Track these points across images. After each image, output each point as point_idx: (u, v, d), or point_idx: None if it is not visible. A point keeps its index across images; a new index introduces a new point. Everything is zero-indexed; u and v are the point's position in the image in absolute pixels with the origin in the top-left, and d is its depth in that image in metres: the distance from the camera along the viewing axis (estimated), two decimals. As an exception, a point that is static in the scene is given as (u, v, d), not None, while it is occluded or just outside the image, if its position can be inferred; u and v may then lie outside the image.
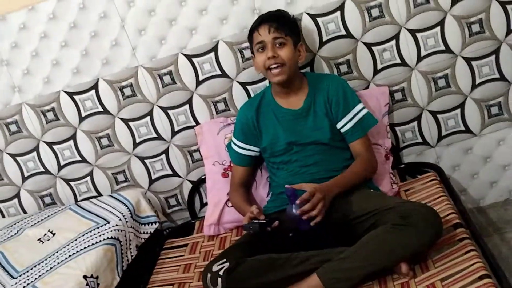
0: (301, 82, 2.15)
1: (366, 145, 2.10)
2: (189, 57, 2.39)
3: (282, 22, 2.06)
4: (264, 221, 1.88)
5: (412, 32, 2.30)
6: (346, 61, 2.35)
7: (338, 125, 2.10)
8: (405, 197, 2.13)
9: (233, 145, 2.25)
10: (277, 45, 2.05)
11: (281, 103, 2.15)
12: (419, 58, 2.33)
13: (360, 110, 2.11)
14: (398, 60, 2.34)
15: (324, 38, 2.33)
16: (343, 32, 2.32)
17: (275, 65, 2.04)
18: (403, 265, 1.68)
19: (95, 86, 2.46)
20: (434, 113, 2.40)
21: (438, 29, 2.29)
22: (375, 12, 2.29)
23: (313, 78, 2.18)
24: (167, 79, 2.43)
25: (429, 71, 2.34)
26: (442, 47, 2.31)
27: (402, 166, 2.41)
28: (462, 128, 2.41)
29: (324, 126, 2.09)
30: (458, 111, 2.39)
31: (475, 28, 2.28)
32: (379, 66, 2.35)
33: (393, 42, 2.32)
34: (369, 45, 2.33)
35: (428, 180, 2.18)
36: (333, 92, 2.10)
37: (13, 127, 2.55)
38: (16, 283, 2.06)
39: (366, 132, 2.12)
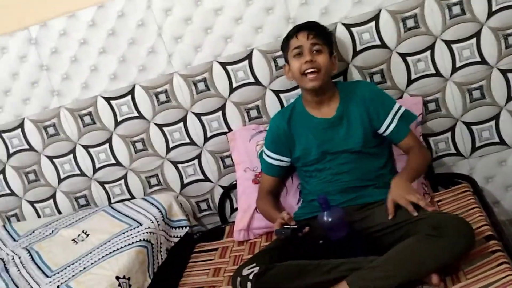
0: (333, 91, 2.16)
1: (415, 139, 2.14)
2: (223, 65, 2.43)
3: (320, 31, 2.11)
4: (295, 226, 1.89)
5: (448, 43, 2.29)
6: (379, 71, 2.35)
7: (381, 129, 2.10)
8: (437, 208, 2.11)
9: (264, 156, 2.27)
10: (315, 51, 2.08)
11: (313, 113, 2.16)
12: (454, 69, 2.32)
13: (399, 108, 2.12)
14: (433, 71, 2.33)
15: (358, 48, 2.34)
16: (378, 42, 2.32)
17: (311, 70, 2.06)
18: (434, 276, 1.66)
19: (131, 92, 2.51)
20: (468, 124, 2.38)
21: (474, 40, 2.28)
22: (410, 23, 2.29)
23: (344, 86, 2.19)
24: (201, 86, 2.47)
25: (464, 82, 2.33)
26: (478, 59, 2.30)
27: (435, 176, 2.40)
28: (497, 139, 2.39)
29: (357, 134, 2.09)
30: (492, 122, 2.37)
31: (512, 40, 2.26)
32: (413, 76, 2.35)
33: (428, 52, 2.31)
34: (403, 55, 2.32)
35: (460, 191, 2.16)
36: (369, 100, 2.11)
37: (51, 130, 2.62)
38: (50, 281, 2.10)
39: (409, 130, 2.13)
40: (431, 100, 2.36)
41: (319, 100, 2.14)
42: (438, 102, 2.36)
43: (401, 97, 2.37)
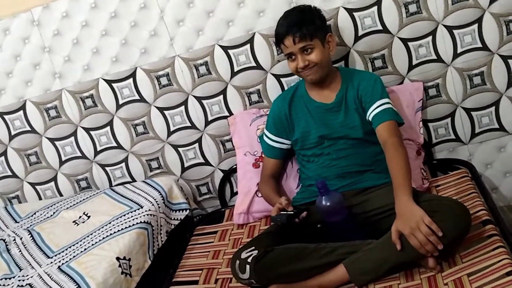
0: (335, 76, 2.15)
1: (392, 131, 1.99)
2: (225, 49, 2.43)
3: (305, 29, 2.02)
4: (292, 212, 1.91)
5: (449, 29, 2.29)
6: (381, 56, 2.35)
7: (367, 115, 2.07)
8: (436, 193, 2.12)
9: (265, 137, 2.28)
10: (305, 52, 2.04)
11: (314, 96, 2.16)
12: (455, 55, 2.32)
13: (387, 103, 2.05)
14: (434, 56, 2.33)
15: (360, 33, 2.34)
16: (380, 27, 2.32)
17: (307, 71, 2.07)
18: (430, 259, 1.68)
19: (133, 75, 2.51)
20: (468, 110, 2.39)
21: (475, 26, 2.27)
22: (412, 8, 2.28)
23: (347, 73, 2.18)
24: (202, 69, 2.47)
25: (465, 68, 2.33)
26: (479, 45, 2.29)
27: (434, 162, 2.41)
28: (496, 126, 2.39)
29: (354, 121, 2.09)
30: (492, 109, 2.37)
31: (513, 25, 2.26)
32: (414, 62, 2.35)
33: (430, 38, 2.31)
34: (405, 41, 2.32)
35: (459, 176, 2.17)
36: (363, 87, 2.09)
37: (52, 112, 2.63)
38: (51, 262, 2.13)
39: (392, 118, 2.02)
40: (431, 85, 2.37)
41: (320, 85, 2.14)
42: (439, 88, 2.37)
43: (401, 82, 2.37)
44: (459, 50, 2.31)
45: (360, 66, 2.38)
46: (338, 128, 2.10)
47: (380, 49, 2.35)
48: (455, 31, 2.29)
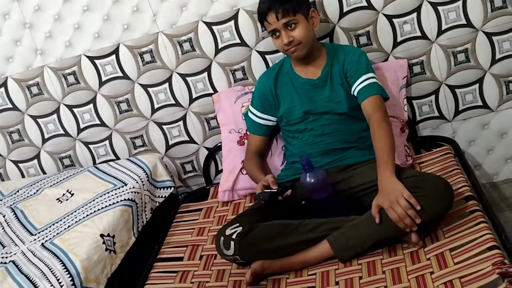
0: (320, 52, 2.14)
1: (377, 105, 1.99)
2: (209, 25, 2.41)
3: (287, 4, 2.00)
4: (276, 190, 1.91)
5: (434, 5, 2.28)
6: (366, 33, 2.34)
7: (352, 90, 2.06)
8: (419, 170, 2.13)
9: (250, 114, 2.27)
10: (289, 27, 2.02)
11: (299, 72, 2.16)
12: (440, 32, 2.32)
13: (372, 77, 2.05)
14: (419, 33, 2.33)
15: (345, 9, 2.32)
16: (364, 3, 2.30)
17: (292, 48, 2.04)
18: (413, 234, 1.70)
19: (115, 51, 2.48)
20: (452, 88, 2.39)
21: (460, 2, 2.26)
22: (397, -16, 2.28)
23: (332, 49, 2.17)
24: (186, 46, 2.45)
25: (449, 45, 2.33)
26: (464, 21, 2.29)
27: (418, 139, 2.42)
28: (480, 103, 2.40)
29: (340, 96, 2.08)
30: (476, 86, 2.38)
31: (498, 2, 2.25)
32: (399, 39, 2.34)
33: (414, 14, 2.30)
34: (390, 17, 2.31)
35: (442, 153, 2.19)
36: (348, 61, 2.08)
37: (34, 89, 2.59)
38: (34, 239, 2.12)
39: (378, 93, 2.01)
40: (416, 63, 2.37)
41: (305, 61, 2.13)
42: (423, 65, 2.37)
43: (386, 60, 2.37)
44: (444, 26, 2.31)
45: (344, 43, 2.36)
46: (323, 103, 2.10)
47: (365, 26, 2.34)
48: (440, 8, 2.28)
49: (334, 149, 2.07)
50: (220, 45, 2.43)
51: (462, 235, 1.67)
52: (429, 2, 2.28)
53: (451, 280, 1.52)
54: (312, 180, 1.87)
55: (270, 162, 2.34)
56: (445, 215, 1.74)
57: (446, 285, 1.51)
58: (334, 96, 2.09)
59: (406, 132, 2.29)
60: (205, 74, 2.49)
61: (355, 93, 2.05)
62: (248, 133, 2.32)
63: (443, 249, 1.65)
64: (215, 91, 2.51)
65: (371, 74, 2.06)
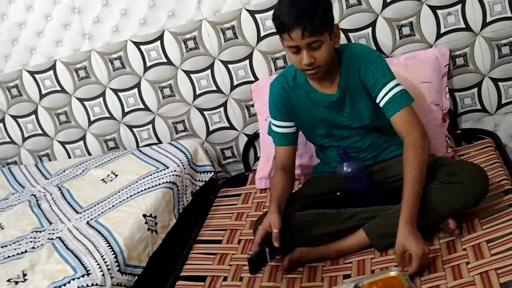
0: (335, 65, 1.92)
1: (407, 122, 1.81)
2: (252, 13, 2.43)
3: (317, 21, 1.74)
4: (267, 250, 1.74)
5: (479, -3, 2.27)
6: (409, 24, 2.34)
7: (377, 101, 1.89)
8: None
9: (272, 127, 2.08)
10: (312, 46, 1.78)
11: (315, 85, 1.97)
12: (484, 24, 2.29)
13: (394, 86, 1.85)
14: (463, 25, 2.31)
15: (389, -1, 2.33)
16: (408, -6, 2.30)
17: (311, 71, 1.85)
18: (451, 221, 1.70)
19: (160, 37, 2.54)
20: (495, 81, 2.37)
21: (506, -5, 2.25)
22: (442, -25, 2.26)
23: (345, 56, 1.93)
24: (229, 33, 2.48)
25: (493, 37, 2.30)
26: (509, 14, 2.26)
27: (459, 131, 2.41)
28: (523, 97, 2.38)
29: (361, 110, 1.94)
30: (520, 79, 2.36)
31: (546, -5, 2.22)
32: (443, 30, 2.33)
33: (459, 6, 2.28)
34: (434, 8, 2.30)
35: (483, 146, 2.17)
36: (364, 72, 1.88)
37: (81, 73, 2.67)
38: (80, 217, 2.20)
39: (405, 105, 1.83)
40: (459, 54, 2.35)
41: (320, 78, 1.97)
42: (466, 57, 2.35)
43: (429, 50, 2.36)
44: (488, 19, 2.28)
45: (387, 33, 2.36)
46: (345, 120, 1.97)
47: (408, 16, 2.33)
48: (485, 0, 2.26)
49: (367, 158, 2.00)
50: (262, 33, 2.46)
51: (500, 227, 1.66)
52: (474, -7, 2.26)
53: (487, 271, 1.52)
54: (349, 170, 1.88)
55: (306, 148, 2.32)
56: (480, 201, 1.74)
57: (481, 275, 1.51)
58: (355, 111, 1.95)
59: (447, 122, 2.26)
60: (247, 61, 2.52)
61: (381, 107, 1.88)
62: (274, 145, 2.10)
63: (480, 240, 1.65)
64: (256, 78, 2.54)
65: (392, 83, 1.85)
